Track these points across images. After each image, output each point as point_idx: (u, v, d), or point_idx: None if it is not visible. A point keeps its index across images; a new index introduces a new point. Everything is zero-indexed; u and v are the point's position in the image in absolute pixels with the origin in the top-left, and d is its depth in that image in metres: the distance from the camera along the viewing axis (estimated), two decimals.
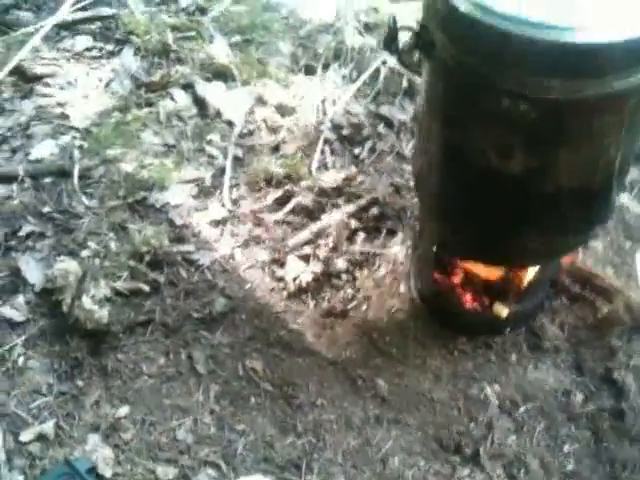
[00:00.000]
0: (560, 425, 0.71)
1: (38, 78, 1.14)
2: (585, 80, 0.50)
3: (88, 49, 1.21)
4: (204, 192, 0.95)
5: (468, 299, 0.76)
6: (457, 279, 0.78)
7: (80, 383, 0.74)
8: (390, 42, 0.59)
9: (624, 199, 0.93)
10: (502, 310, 0.73)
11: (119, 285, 0.80)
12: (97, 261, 0.84)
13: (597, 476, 0.67)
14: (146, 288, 0.81)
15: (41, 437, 0.69)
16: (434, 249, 0.76)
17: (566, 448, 0.69)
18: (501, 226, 0.63)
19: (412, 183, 0.94)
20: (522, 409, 0.72)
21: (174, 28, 1.20)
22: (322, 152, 0.99)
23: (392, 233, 0.90)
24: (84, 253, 0.85)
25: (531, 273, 0.73)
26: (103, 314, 0.75)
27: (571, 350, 0.77)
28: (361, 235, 0.90)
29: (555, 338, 0.77)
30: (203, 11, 1.26)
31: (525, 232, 0.62)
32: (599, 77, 0.50)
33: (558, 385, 0.74)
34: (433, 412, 0.72)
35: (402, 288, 0.85)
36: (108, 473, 0.65)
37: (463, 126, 0.59)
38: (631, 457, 0.67)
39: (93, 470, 0.63)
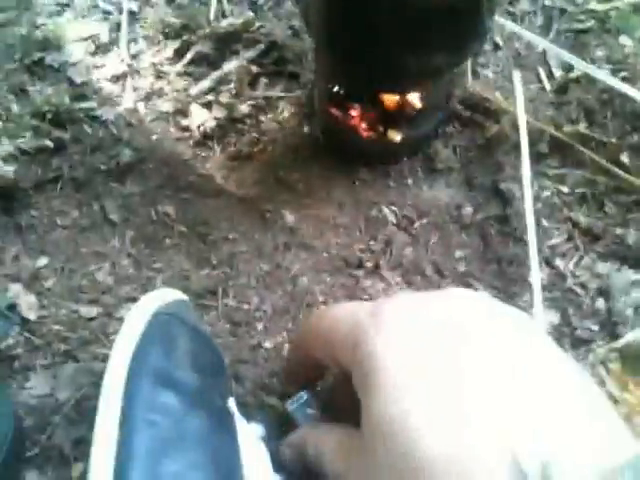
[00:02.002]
0: (452, 235, 0.77)
1: None
2: None
3: None
4: (102, 49, 0.93)
5: (364, 129, 0.79)
6: (353, 112, 0.81)
7: None
8: None
9: (515, 28, 0.96)
10: (395, 135, 0.77)
11: (23, 143, 0.80)
12: None
13: (486, 274, 0.74)
14: (51, 145, 0.81)
15: None
16: (328, 85, 0.78)
17: (457, 254, 0.75)
18: (377, 46, 0.64)
19: None
20: (417, 224, 0.77)
21: None
22: (219, 0, 0.98)
23: (294, 77, 0.92)
24: None
25: (420, 99, 0.77)
26: (9, 169, 0.76)
27: (462, 169, 0.82)
28: (263, 80, 0.91)
29: (447, 160, 0.82)
30: None
31: (401, 52, 0.64)
32: None
33: (450, 201, 0.79)
34: (337, 235, 0.77)
35: (305, 129, 0.87)
36: (33, 316, 0.69)
37: None
38: (515, 255, 0.74)
39: (14, 306, 0.66)
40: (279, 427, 0.57)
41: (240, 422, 0.50)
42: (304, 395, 0.52)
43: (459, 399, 0.35)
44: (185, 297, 0.58)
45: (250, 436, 0.50)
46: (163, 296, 0.53)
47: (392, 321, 0.40)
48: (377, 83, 0.73)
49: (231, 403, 0.53)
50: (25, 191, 0.78)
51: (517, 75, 0.82)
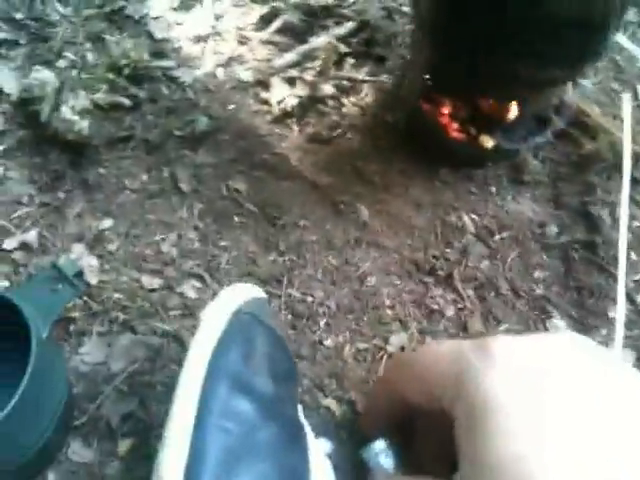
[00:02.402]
0: (532, 253, 0.73)
1: None
2: None
3: None
4: (185, 5, 0.90)
5: (454, 129, 0.75)
6: (444, 109, 0.77)
7: (62, 195, 0.74)
8: None
9: (618, 38, 0.91)
10: (488, 141, 0.73)
11: (98, 97, 0.77)
12: (74, 72, 0.81)
13: (564, 301, 0.70)
14: (126, 102, 0.78)
15: (25, 246, 0.70)
16: (423, 77, 0.74)
17: (536, 275, 0.71)
18: (494, 52, 0.61)
19: (405, 8, 0.90)
20: (497, 237, 0.73)
21: None
22: None
23: (381, 60, 0.88)
24: (60, 63, 0.81)
25: (519, 106, 0.73)
26: (83, 125, 0.73)
27: (551, 185, 0.78)
28: (349, 60, 0.87)
29: (535, 172, 0.78)
30: None
31: (518, 60, 0.61)
32: None
33: (534, 217, 0.75)
34: (411, 237, 0.73)
35: (389, 118, 0.84)
36: (94, 280, 0.67)
37: None
38: (598, 285, 0.70)
39: (80, 274, 0.64)
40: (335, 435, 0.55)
41: (310, 436, 0.48)
42: (381, 443, 0.50)
43: (571, 445, 0.34)
44: (264, 294, 0.55)
45: (319, 453, 0.48)
46: (244, 293, 0.50)
47: (503, 360, 0.39)
48: (480, 86, 0.69)
49: (300, 412, 0.51)
50: (95, 148, 0.76)
51: (627, 99, 0.76)
